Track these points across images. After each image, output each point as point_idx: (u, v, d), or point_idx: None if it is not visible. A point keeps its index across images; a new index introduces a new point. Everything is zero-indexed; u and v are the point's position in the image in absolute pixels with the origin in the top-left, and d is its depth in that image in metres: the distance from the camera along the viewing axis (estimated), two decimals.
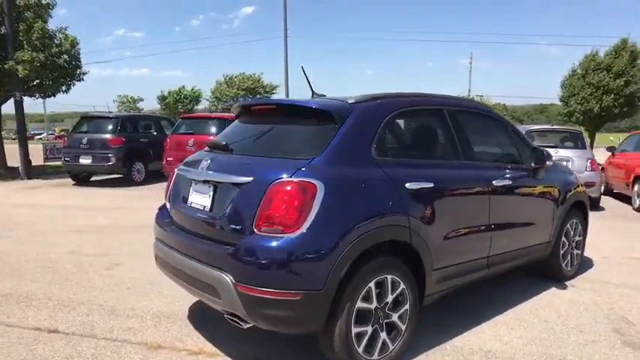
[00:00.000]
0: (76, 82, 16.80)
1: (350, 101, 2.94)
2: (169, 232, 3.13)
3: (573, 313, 3.79)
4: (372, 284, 2.67)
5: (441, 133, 3.41)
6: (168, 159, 11.24)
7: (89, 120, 12.87)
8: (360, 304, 2.63)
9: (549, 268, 4.44)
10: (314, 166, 2.57)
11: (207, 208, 2.85)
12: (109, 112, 14.17)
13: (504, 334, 3.39)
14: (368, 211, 2.65)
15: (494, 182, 3.50)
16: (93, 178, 13.12)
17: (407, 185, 2.85)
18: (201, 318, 3.56)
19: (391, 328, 2.83)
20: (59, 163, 14.00)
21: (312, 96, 3.34)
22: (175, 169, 3.40)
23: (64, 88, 16.88)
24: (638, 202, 9.01)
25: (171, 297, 3.99)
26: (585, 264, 5.04)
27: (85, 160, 11.86)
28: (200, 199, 2.93)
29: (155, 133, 13.30)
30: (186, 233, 2.99)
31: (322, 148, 2.68)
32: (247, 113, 3.42)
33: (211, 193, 2.85)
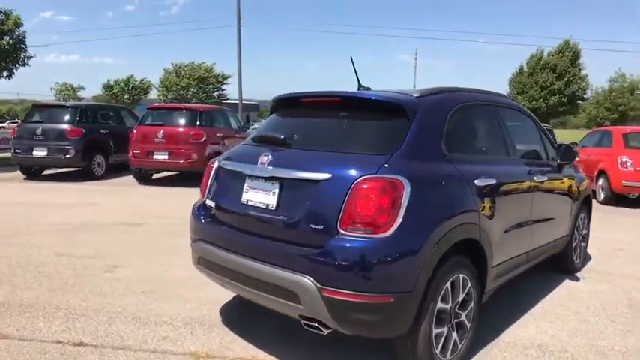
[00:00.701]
0: (20, 67, 15.54)
1: (415, 95, 2.84)
2: (220, 233, 2.90)
3: (599, 304, 3.93)
4: (448, 284, 2.60)
5: (495, 129, 3.41)
6: (135, 152, 10.59)
7: (43, 109, 11.87)
8: (439, 304, 2.56)
9: (563, 260, 4.59)
10: (396, 163, 2.45)
11: (272, 207, 2.65)
12: (64, 100, 13.21)
13: (547, 327, 3.45)
14: (449, 209, 2.59)
15: (534, 178, 3.55)
16: (46, 172, 12.15)
17: (476, 182, 2.81)
18: (238, 323, 3.34)
19: (459, 327, 2.78)
20: (7, 155, 12.85)
21: (359, 88, 3.20)
22: (217, 163, 3.15)
23: (5, 73, 15.55)
24: (602, 195, 9.60)
25: (195, 301, 3.73)
26: (585, 257, 5.28)
27: (39, 153, 10.91)
28: (260, 198, 2.73)
29: (115, 124, 12.52)
30: (244, 234, 2.77)
31: (397, 143, 2.57)
32: (294, 105, 3.23)
33: (276, 190, 2.66)
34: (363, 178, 2.37)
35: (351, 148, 2.68)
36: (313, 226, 2.44)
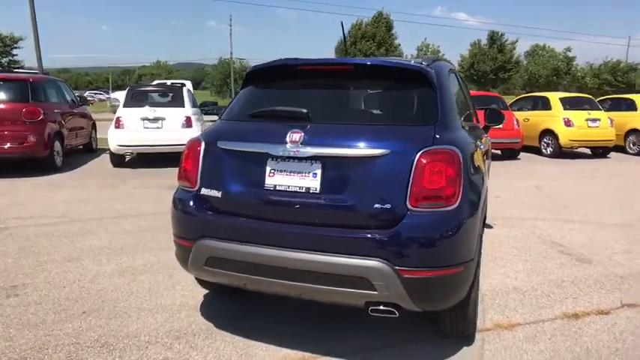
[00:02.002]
0: None
1: (425, 63, 2.78)
2: (240, 225, 2.45)
3: (524, 246, 4.59)
4: None
5: (465, 95, 3.58)
6: None
7: None
8: None
9: None
10: (443, 134, 2.40)
11: (315, 190, 2.34)
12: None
13: (505, 272, 3.91)
14: (480, 177, 2.67)
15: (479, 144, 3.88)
16: None
17: (481, 147, 2.94)
18: (234, 324, 2.94)
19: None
20: None
21: (346, 53, 2.99)
22: (203, 143, 2.62)
23: None
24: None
25: (163, 311, 3.14)
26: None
27: None
28: (295, 181, 2.38)
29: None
30: (277, 223, 2.39)
31: (432, 113, 2.50)
32: (290, 75, 2.84)
33: (318, 171, 2.35)
34: (425, 151, 2.26)
35: (385, 119, 2.53)
36: (379, 206, 2.24)
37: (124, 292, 3.44)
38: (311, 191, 2.35)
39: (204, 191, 2.58)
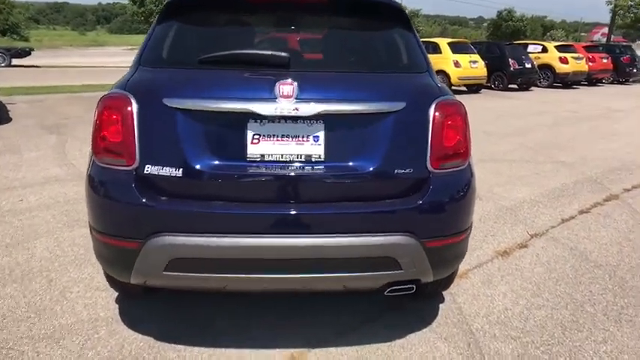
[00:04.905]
0: None
1: None
2: (220, 212, 1.81)
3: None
4: None
5: None
6: None
7: None
8: None
9: None
10: (439, 83, 2.13)
11: (319, 157, 1.85)
12: None
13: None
14: None
15: None
16: None
17: None
18: (188, 335, 2.32)
19: None
20: None
21: None
22: (135, 103, 1.82)
23: None
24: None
25: (100, 335, 2.29)
26: None
27: None
28: (292, 148, 1.83)
29: None
30: (270, 205, 1.83)
31: (418, 57, 2.18)
32: (234, 8, 2.13)
33: (321, 133, 1.84)
34: (438, 102, 1.95)
35: (378, 66, 2.11)
36: (399, 171, 1.88)
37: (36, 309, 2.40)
38: (313, 159, 1.85)
39: (149, 170, 1.82)
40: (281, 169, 1.83)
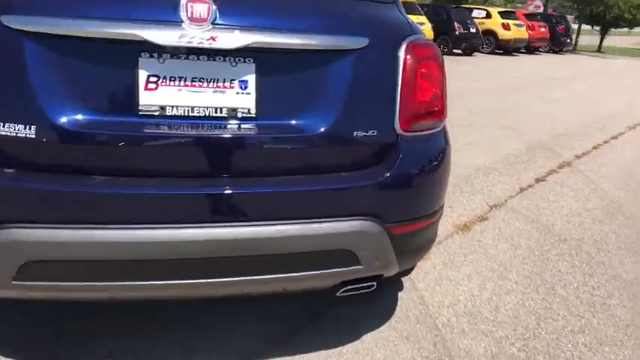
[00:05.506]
0: None
1: None
2: (99, 192, 1.23)
3: None
4: None
5: None
6: None
7: None
8: None
9: None
10: (409, 18, 1.62)
11: (248, 111, 1.30)
12: None
13: None
14: None
15: None
16: None
17: None
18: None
19: None
20: None
21: None
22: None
23: None
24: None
25: None
26: None
27: None
28: (207, 97, 1.27)
29: None
30: (182, 179, 1.28)
31: None
32: None
33: (251, 77, 1.29)
34: (411, 42, 1.45)
35: None
36: (357, 134, 1.38)
37: None
38: (239, 114, 1.30)
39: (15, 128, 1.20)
40: (191, 128, 1.27)
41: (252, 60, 1.28)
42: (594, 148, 5.17)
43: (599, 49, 26.77)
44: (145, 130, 1.25)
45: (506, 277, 2.44)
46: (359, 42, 1.35)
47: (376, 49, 1.38)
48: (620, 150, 5.20)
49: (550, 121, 6.40)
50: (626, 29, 31.15)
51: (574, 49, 24.58)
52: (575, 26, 27.00)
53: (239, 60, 1.28)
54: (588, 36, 29.86)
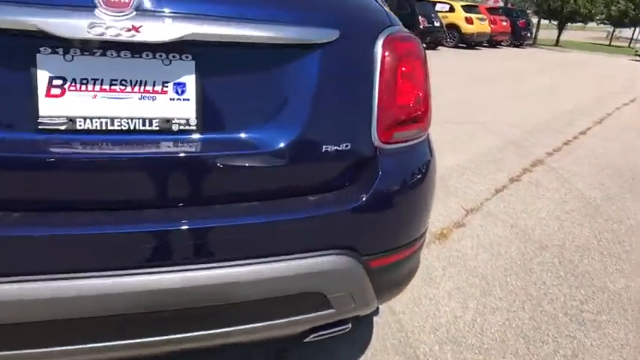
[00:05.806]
0: None
1: None
2: (6, 235, 0.91)
3: None
4: None
5: None
6: None
7: None
8: None
9: None
10: (387, 9, 1.36)
11: (188, 123, 1.01)
12: None
13: None
14: None
15: None
16: None
17: None
18: None
19: None
20: None
21: None
22: None
23: None
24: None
25: None
26: None
27: None
28: (133, 105, 0.97)
29: None
30: (112, 215, 0.98)
31: None
32: None
33: (190, 78, 1.00)
34: (390, 35, 1.19)
35: None
36: (327, 148, 1.11)
37: None
38: (175, 127, 1.01)
39: None
40: (111, 146, 0.97)
41: (190, 57, 0.99)
42: (564, 144, 5.10)
43: (557, 43, 27.49)
44: (48, 150, 0.94)
45: (490, 292, 2.24)
46: (327, 34, 1.08)
47: (348, 44, 1.11)
48: (590, 146, 5.15)
49: (519, 116, 6.32)
50: (581, 24, 32.16)
51: (534, 43, 25.08)
52: (535, 20, 27.61)
53: (173, 57, 0.98)
54: (546, 30, 30.63)
